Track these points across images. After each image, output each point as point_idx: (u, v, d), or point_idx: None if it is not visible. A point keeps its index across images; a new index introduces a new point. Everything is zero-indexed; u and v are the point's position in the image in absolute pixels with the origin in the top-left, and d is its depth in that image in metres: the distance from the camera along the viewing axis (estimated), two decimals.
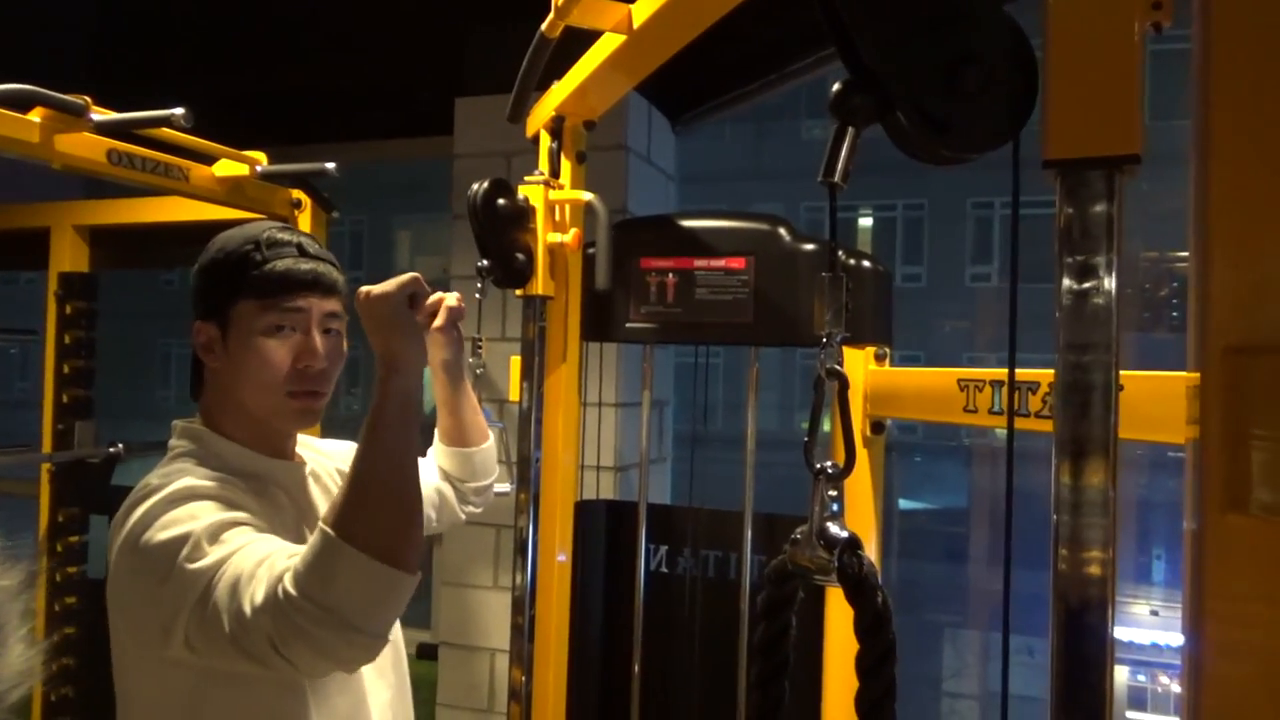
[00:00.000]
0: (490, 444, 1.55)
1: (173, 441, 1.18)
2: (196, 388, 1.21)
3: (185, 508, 1.03)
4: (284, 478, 1.20)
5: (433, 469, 1.52)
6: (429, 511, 1.46)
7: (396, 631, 1.29)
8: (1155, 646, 8.18)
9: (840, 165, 0.66)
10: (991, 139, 0.66)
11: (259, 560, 0.96)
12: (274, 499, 1.16)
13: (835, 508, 0.76)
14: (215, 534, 0.99)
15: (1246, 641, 0.57)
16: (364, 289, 1.04)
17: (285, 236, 1.17)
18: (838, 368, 0.75)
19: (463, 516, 1.54)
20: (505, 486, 1.83)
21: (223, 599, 0.94)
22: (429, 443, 1.54)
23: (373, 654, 0.95)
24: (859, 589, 0.74)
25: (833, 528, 0.76)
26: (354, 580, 0.91)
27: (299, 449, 1.27)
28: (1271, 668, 0.56)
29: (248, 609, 0.92)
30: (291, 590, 0.90)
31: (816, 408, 0.75)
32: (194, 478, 1.08)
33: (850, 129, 0.66)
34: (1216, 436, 0.56)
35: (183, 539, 0.98)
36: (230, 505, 1.05)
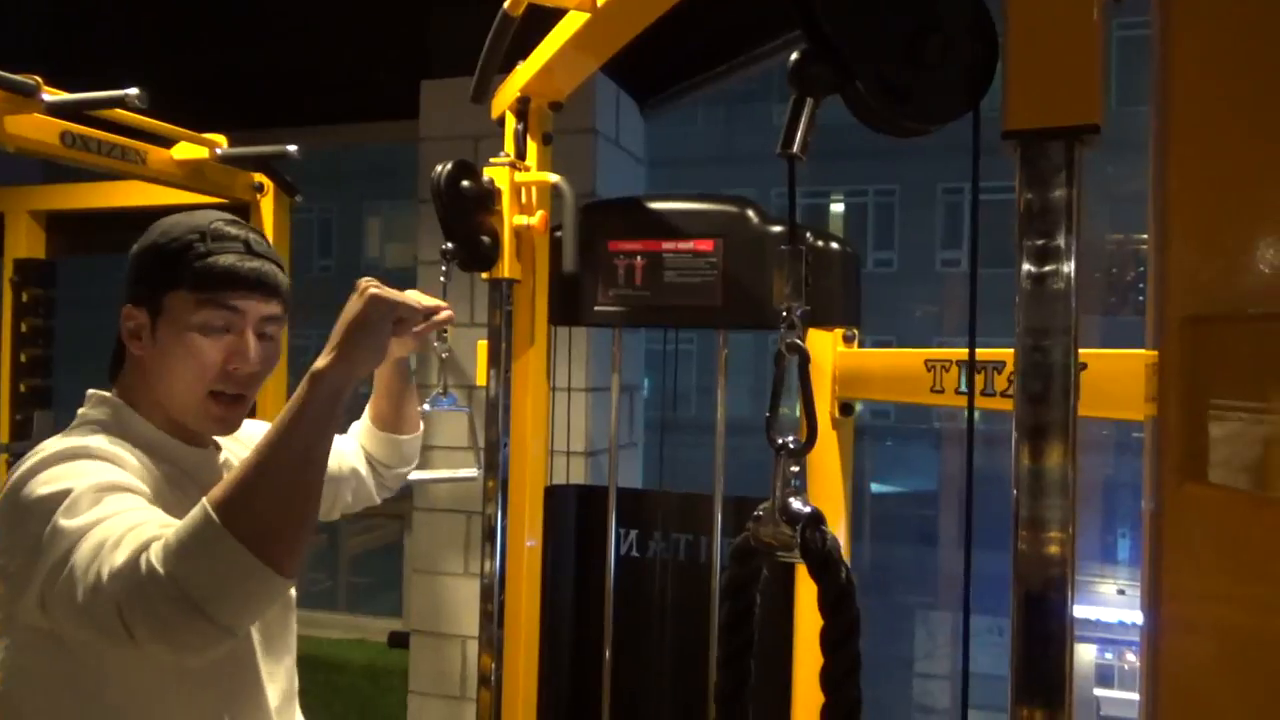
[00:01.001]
0: (420, 433, 1.55)
1: (84, 410, 1.13)
2: (114, 370, 1.17)
3: (74, 464, 0.99)
4: (196, 467, 1.15)
5: (356, 450, 1.50)
6: (346, 495, 1.46)
7: (293, 625, 1.26)
8: (1122, 625, 8.31)
9: (799, 137, 0.65)
10: (952, 109, 0.66)
11: (130, 526, 0.91)
12: (182, 487, 1.11)
13: (798, 484, 0.76)
14: (98, 494, 0.95)
15: (1204, 613, 0.58)
16: (374, 281, 1.03)
17: (233, 230, 1.13)
18: (798, 342, 0.74)
19: (378, 499, 1.53)
20: (472, 472, 1.81)
21: (82, 561, 0.89)
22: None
23: (215, 648, 0.90)
24: (823, 565, 0.73)
25: (795, 503, 0.75)
26: (222, 569, 0.86)
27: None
28: (1228, 637, 0.56)
29: (105, 573, 0.87)
30: (154, 562, 0.86)
31: (777, 383, 0.75)
32: (94, 440, 1.04)
33: (809, 100, 0.65)
34: (1175, 407, 0.56)
35: (63, 494, 0.94)
36: (123, 470, 1.01)
